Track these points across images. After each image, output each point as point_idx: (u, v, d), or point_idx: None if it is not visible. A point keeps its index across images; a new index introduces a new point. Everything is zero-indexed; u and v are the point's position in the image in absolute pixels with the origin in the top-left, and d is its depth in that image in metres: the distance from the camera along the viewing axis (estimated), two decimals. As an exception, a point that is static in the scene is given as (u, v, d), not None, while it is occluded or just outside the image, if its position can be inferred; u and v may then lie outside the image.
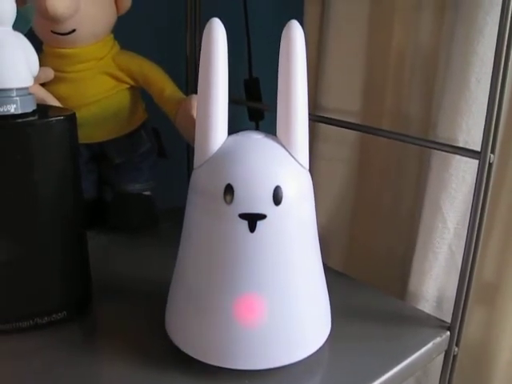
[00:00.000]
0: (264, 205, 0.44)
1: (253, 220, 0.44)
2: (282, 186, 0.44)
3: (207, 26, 0.44)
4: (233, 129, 0.48)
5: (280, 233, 0.45)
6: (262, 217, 0.44)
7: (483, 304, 0.70)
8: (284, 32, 0.45)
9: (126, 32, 0.71)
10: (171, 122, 0.68)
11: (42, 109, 0.54)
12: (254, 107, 0.85)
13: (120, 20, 0.70)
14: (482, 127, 0.52)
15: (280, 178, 0.45)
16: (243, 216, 0.44)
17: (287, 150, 0.46)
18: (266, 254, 0.45)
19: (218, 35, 0.44)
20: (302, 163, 0.47)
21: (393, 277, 0.76)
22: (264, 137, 0.48)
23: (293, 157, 0.47)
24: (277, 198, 0.44)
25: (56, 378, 0.48)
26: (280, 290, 0.46)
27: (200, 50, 0.45)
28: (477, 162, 0.53)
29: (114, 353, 0.52)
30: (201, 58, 0.45)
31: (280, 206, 0.44)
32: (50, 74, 0.65)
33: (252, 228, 0.44)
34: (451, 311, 0.58)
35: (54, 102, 0.63)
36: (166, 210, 0.79)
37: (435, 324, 0.59)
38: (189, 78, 0.81)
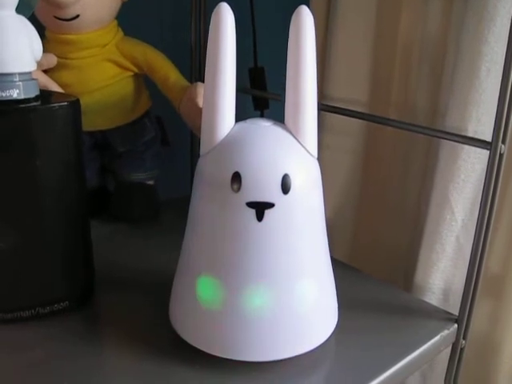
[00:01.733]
0: (272, 193, 0.43)
1: (261, 209, 0.43)
2: (290, 175, 0.43)
3: (215, 10, 0.43)
4: (237, 118, 0.47)
5: (288, 222, 0.44)
6: (270, 205, 0.43)
7: (489, 296, 0.69)
8: (293, 17, 0.44)
9: (129, 19, 0.70)
10: (173, 109, 0.68)
11: (45, 94, 0.53)
12: (259, 96, 0.84)
13: (124, 6, 0.69)
14: (492, 117, 0.51)
15: (288, 166, 0.44)
16: (251, 204, 0.43)
17: (296, 138, 0.46)
18: (273, 244, 0.44)
19: (226, 19, 0.43)
20: (310, 151, 0.46)
21: (399, 269, 0.76)
22: (272, 124, 0.47)
23: (301, 145, 0.46)
24: (285, 187, 0.43)
25: (58, 368, 0.48)
26: (287, 280, 0.45)
27: (205, 38, 0.44)
28: (487, 152, 0.52)
29: (116, 343, 0.51)
30: (208, 42, 0.44)
31: (288, 194, 0.43)
32: (52, 60, 0.64)
33: (260, 217, 0.43)
34: (458, 304, 0.57)
35: (57, 89, 0.63)
36: (168, 199, 0.78)
37: (442, 317, 0.58)
38: (193, 65, 0.80)
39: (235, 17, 0.44)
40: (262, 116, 0.85)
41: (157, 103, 0.74)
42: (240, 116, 0.48)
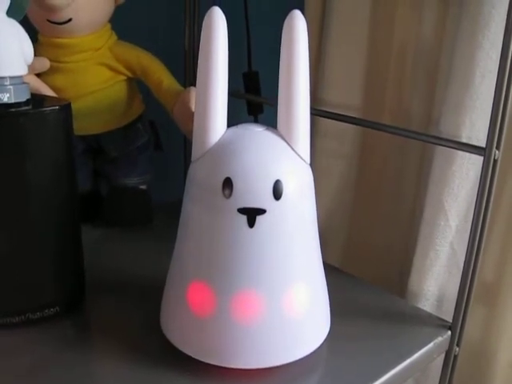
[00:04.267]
0: (264, 199, 0.43)
1: (252, 215, 0.43)
2: (282, 180, 0.43)
3: (207, 14, 0.43)
4: (231, 123, 0.47)
5: (280, 228, 0.44)
6: (262, 212, 0.43)
7: (483, 303, 0.69)
8: (286, 22, 0.44)
9: (123, 23, 0.69)
10: (166, 114, 0.67)
11: (37, 98, 0.52)
12: (253, 101, 0.83)
13: (117, 10, 0.69)
14: (486, 123, 0.51)
15: (280, 171, 0.44)
16: (242, 211, 0.43)
17: (288, 144, 0.45)
18: (265, 250, 0.44)
19: (218, 23, 0.43)
20: (303, 157, 0.46)
21: (392, 275, 0.75)
22: (264, 129, 0.46)
23: (294, 150, 0.45)
24: (277, 193, 0.43)
25: (47, 375, 0.47)
26: (279, 286, 0.45)
27: (198, 42, 0.44)
28: (481, 158, 0.52)
29: (107, 350, 0.51)
30: (200, 46, 0.44)
31: (280, 200, 0.43)
32: (45, 63, 0.64)
33: (251, 223, 0.43)
34: (451, 310, 0.57)
35: (49, 93, 0.62)
36: (161, 204, 0.78)
37: (436, 323, 0.58)
38: (187, 70, 0.80)
39: (229, 21, 0.44)
40: (255, 121, 0.84)
41: (150, 108, 0.74)
42: (234, 121, 0.48)
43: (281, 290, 0.45)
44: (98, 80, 0.68)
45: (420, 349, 0.53)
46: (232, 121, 0.47)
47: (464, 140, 0.61)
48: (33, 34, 0.53)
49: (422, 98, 0.70)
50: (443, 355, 0.58)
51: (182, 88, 0.68)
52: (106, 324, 0.55)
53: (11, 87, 0.48)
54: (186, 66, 0.80)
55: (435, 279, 0.68)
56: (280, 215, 0.44)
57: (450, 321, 0.57)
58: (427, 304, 0.68)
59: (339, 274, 0.66)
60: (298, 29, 0.43)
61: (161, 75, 0.68)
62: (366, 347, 0.53)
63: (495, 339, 0.70)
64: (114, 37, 0.70)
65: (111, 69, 0.69)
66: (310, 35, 0.45)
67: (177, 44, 0.79)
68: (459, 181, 0.63)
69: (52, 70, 0.65)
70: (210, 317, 0.45)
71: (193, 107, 0.61)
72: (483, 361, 0.71)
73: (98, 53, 0.68)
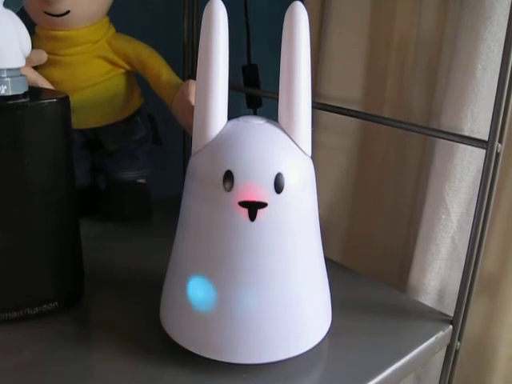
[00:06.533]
0: (265, 192, 0.42)
1: (253, 208, 0.42)
2: (283, 174, 0.43)
3: (208, 5, 0.43)
4: (230, 116, 0.46)
5: (281, 222, 0.44)
6: (263, 205, 0.42)
7: (484, 297, 0.69)
8: (287, 14, 0.43)
9: (121, 15, 0.69)
10: (165, 107, 0.67)
11: (34, 91, 0.52)
12: (253, 94, 0.83)
13: (116, 2, 0.68)
14: (488, 116, 0.51)
15: (282, 164, 0.43)
16: (243, 204, 0.42)
17: (289, 136, 0.45)
18: (266, 244, 0.43)
19: (218, 15, 0.42)
20: (304, 150, 0.46)
21: (393, 269, 0.75)
22: (265, 122, 0.46)
23: (295, 143, 0.45)
24: (278, 186, 0.42)
25: (46, 370, 0.47)
26: (280, 280, 0.45)
27: (198, 34, 0.43)
28: (482, 152, 0.52)
29: (106, 345, 0.50)
30: (200, 38, 0.43)
31: (281, 193, 0.43)
32: (42, 56, 0.63)
33: (252, 216, 0.42)
34: (453, 305, 0.57)
35: (47, 86, 0.62)
36: (160, 199, 0.77)
37: (437, 318, 0.57)
38: (186, 62, 0.79)
39: (228, 13, 0.43)
40: (255, 114, 0.84)
41: (149, 101, 0.74)
42: (233, 114, 0.47)
43: (282, 284, 0.45)
44: (95, 73, 0.68)
45: (421, 343, 0.53)
46: (231, 114, 0.46)
47: (466, 133, 0.60)
48: (30, 26, 0.53)
49: (423, 91, 0.69)
50: (444, 349, 0.58)
51: (180, 81, 0.67)
52: (106, 319, 0.55)
53: (9, 79, 0.47)
54: (185, 59, 0.79)
55: (436, 273, 0.68)
56: (281, 209, 0.43)
57: (452, 315, 0.57)
58: (428, 298, 0.68)
59: (340, 269, 0.66)
60: (299, 21, 0.43)
61: (159, 68, 0.68)
62: (367, 342, 0.53)
63: (496, 333, 0.69)
64: (113, 29, 0.70)
65: (109, 62, 0.68)
66: (309, 28, 0.44)
67: (175, 37, 0.79)
68: (460, 174, 0.63)
69: (49, 63, 0.65)
70: (210, 311, 0.45)
71: (192, 100, 0.61)
72: (484, 354, 0.70)
73: (95, 46, 0.67)
